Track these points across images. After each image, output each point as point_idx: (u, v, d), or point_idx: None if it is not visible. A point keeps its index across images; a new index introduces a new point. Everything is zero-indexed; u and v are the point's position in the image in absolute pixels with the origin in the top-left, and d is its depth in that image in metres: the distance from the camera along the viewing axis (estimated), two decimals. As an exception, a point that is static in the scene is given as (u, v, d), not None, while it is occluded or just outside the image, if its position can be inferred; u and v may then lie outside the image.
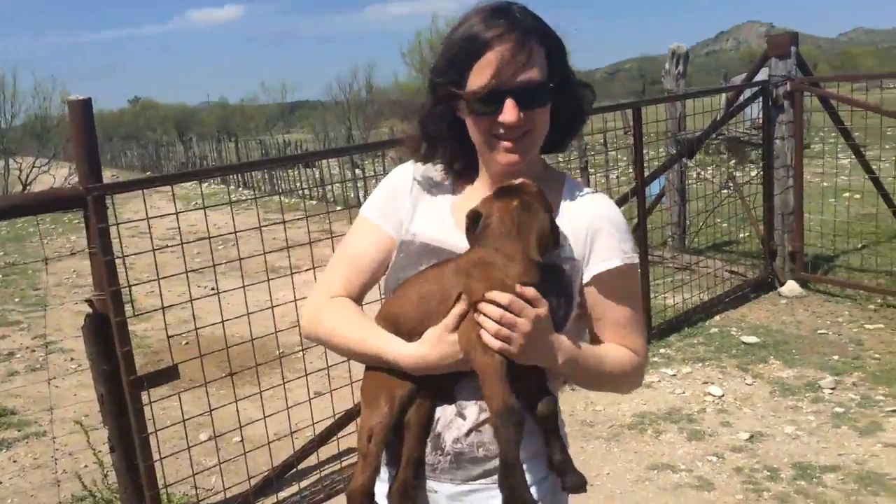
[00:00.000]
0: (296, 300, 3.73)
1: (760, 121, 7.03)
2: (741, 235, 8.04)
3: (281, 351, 4.88)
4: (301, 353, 4.03)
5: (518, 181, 1.46)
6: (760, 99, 6.55)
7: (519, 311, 1.36)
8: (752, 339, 5.45)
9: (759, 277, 6.69)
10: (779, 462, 3.80)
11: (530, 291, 1.38)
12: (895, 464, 3.68)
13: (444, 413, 1.49)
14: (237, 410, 3.72)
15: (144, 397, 3.30)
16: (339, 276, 1.64)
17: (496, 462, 1.42)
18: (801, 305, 6.18)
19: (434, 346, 1.42)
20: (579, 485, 1.42)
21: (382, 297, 1.65)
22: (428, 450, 1.49)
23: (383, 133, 25.05)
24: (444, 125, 1.56)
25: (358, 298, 1.64)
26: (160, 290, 3.38)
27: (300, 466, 3.94)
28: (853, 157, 7.22)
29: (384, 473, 1.54)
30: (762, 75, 6.84)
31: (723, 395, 4.60)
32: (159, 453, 3.41)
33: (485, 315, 1.38)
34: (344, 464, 4.06)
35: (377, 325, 1.52)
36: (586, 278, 1.51)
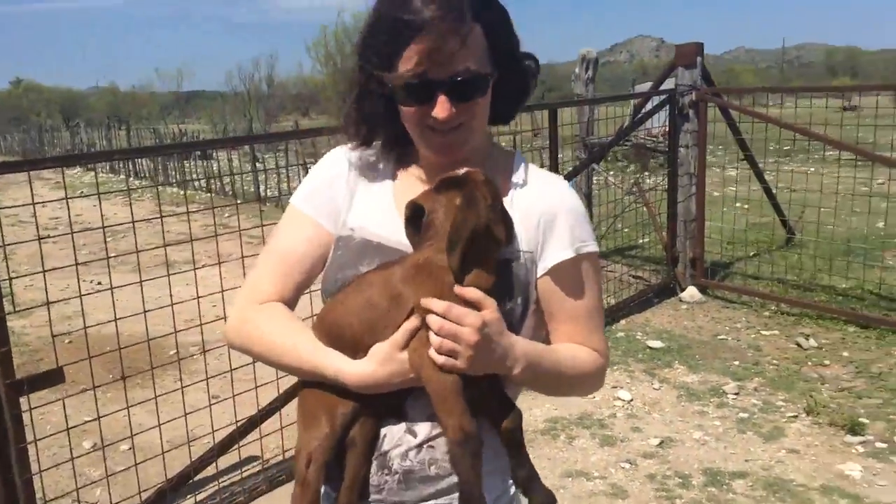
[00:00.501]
0: (198, 297, 3.46)
1: (659, 129, 7.18)
2: (644, 241, 8.20)
3: (176, 351, 4.57)
4: (201, 354, 3.77)
5: (462, 171, 1.32)
6: (667, 107, 6.68)
7: (459, 319, 1.22)
8: (657, 344, 5.52)
9: (662, 283, 6.81)
10: (689, 468, 3.81)
11: (471, 293, 1.24)
12: (799, 470, 3.76)
13: (391, 431, 1.33)
14: (128, 416, 3.42)
15: (23, 403, 2.97)
16: (269, 277, 1.45)
17: (450, 480, 1.28)
18: (701, 311, 6.32)
19: (382, 364, 1.26)
20: (548, 503, 1.29)
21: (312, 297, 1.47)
22: (373, 469, 1.33)
23: (285, 127, 24.43)
24: (380, 106, 1.40)
25: (291, 301, 1.45)
26: (45, 284, 3.05)
27: (197, 477, 3.66)
28: (742, 167, 7.49)
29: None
30: (668, 84, 6.98)
31: (632, 400, 4.62)
32: (38, 464, 3.08)
33: (428, 327, 1.23)
34: (245, 474, 3.82)
35: (315, 337, 1.34)
36: (540, 271, 1.38)
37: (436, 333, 1.21)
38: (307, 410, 1.34)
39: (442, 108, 1.30)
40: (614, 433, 4.20)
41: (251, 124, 21.91)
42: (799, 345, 5.41)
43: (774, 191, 7.64)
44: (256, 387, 3.64)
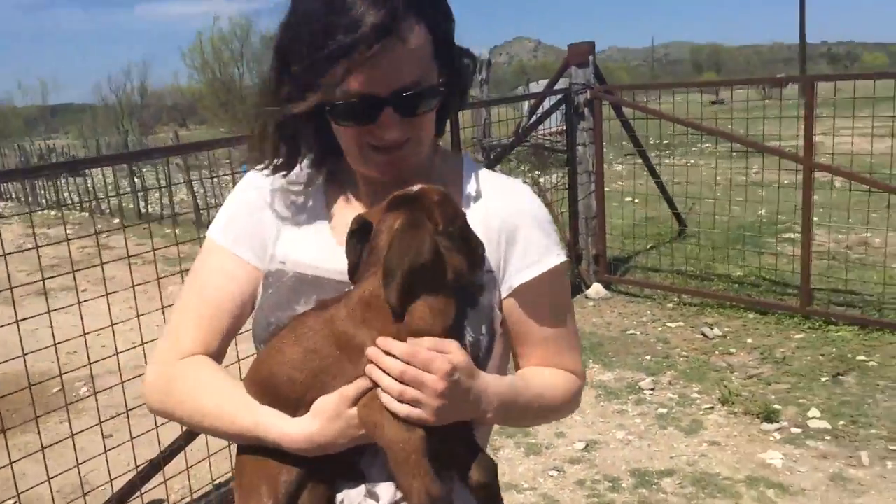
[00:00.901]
0: (84, 334, 3.11)
1: (557, 129, 7.19)
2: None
3: (61, 389, 4.14)
4: (90, 392, 3.40)
5: (416, 187, 1.14)
6: (563, 106, 6.69)
7: (425, 364, 1.05)
8: (569, 344, 5.49)
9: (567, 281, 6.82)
10: (617, 470, 3.76)
11: (432, 342, 1.07)
12: (723, 462, 3.77)
13: (348, 495, 1.14)
14: (11, 469, 3.02)
15: None
16: (190, 326, 1.23)
17: None
18: (608, 307, 6.36)
19: (329, 421, 1.07)
20: None
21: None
22: None
23: (165, 139, 23.38)
24: (309, 124, 1.20)
25: (218, 352, 1.24)
26: None
27: (94, 530, 3.30)
28: (627, 163, 7.64)
29: None
30: (562, 83, 7.01)
31: (551, 404, 4.54)
32: None
33: (382, 371, 1.06)
34: (148, 521, 3.48)
35: (248, 395, 1.14)
36: (505, 291, 1.23)
37: (397, 380, 1.04)
38: (245, 482, 1.13)
39: (389, 129, 1.13)
40: (539, 440, 4.10)
41: (126, 137, 20.82)
42: (704, 335, 5.51)
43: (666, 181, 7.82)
44: (157, 426, 3.31)
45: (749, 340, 5.35)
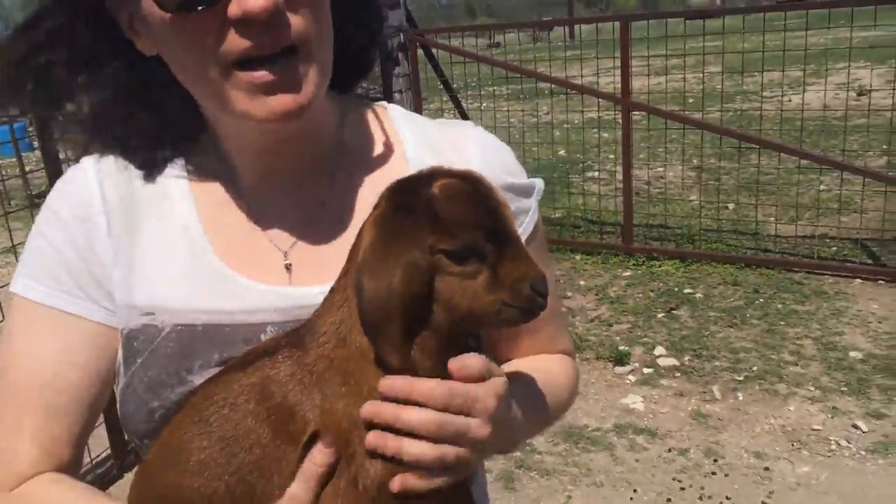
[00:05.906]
0: None
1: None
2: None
3: None
4: None
5: (427, 169, 0.77)
6: (375, 51, 6.32)
7: (468, 406, 0.72)
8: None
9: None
10: (486, 435, 3.61)
11: (475, 363, 0.74)
12: (589, 413, 3.72)
13: None
14: None
15: None
16: (20, 433, 0.80)
17: None
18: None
19: None
20: None
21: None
22: None
23: None
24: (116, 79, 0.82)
25: (71, 462, 0.82)
26: None
27: None
28: (447, 109, 7.51)
29: None
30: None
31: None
32: None
33: (404, 434, 0.71)
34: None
35: None
36: None
37: (432, 437, 0.70)
38: None
39: None
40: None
41: None
42: (537, 280, 5.49)
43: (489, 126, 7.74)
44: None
45: (582, 282, 5.41)
